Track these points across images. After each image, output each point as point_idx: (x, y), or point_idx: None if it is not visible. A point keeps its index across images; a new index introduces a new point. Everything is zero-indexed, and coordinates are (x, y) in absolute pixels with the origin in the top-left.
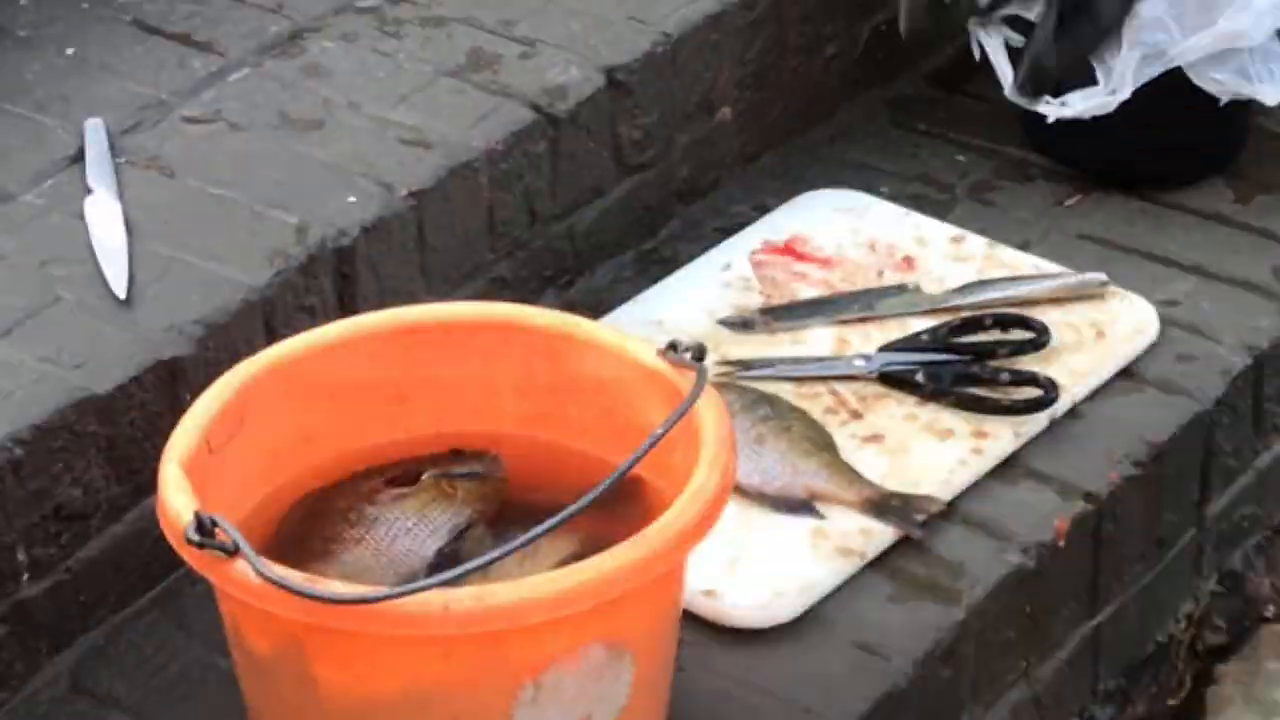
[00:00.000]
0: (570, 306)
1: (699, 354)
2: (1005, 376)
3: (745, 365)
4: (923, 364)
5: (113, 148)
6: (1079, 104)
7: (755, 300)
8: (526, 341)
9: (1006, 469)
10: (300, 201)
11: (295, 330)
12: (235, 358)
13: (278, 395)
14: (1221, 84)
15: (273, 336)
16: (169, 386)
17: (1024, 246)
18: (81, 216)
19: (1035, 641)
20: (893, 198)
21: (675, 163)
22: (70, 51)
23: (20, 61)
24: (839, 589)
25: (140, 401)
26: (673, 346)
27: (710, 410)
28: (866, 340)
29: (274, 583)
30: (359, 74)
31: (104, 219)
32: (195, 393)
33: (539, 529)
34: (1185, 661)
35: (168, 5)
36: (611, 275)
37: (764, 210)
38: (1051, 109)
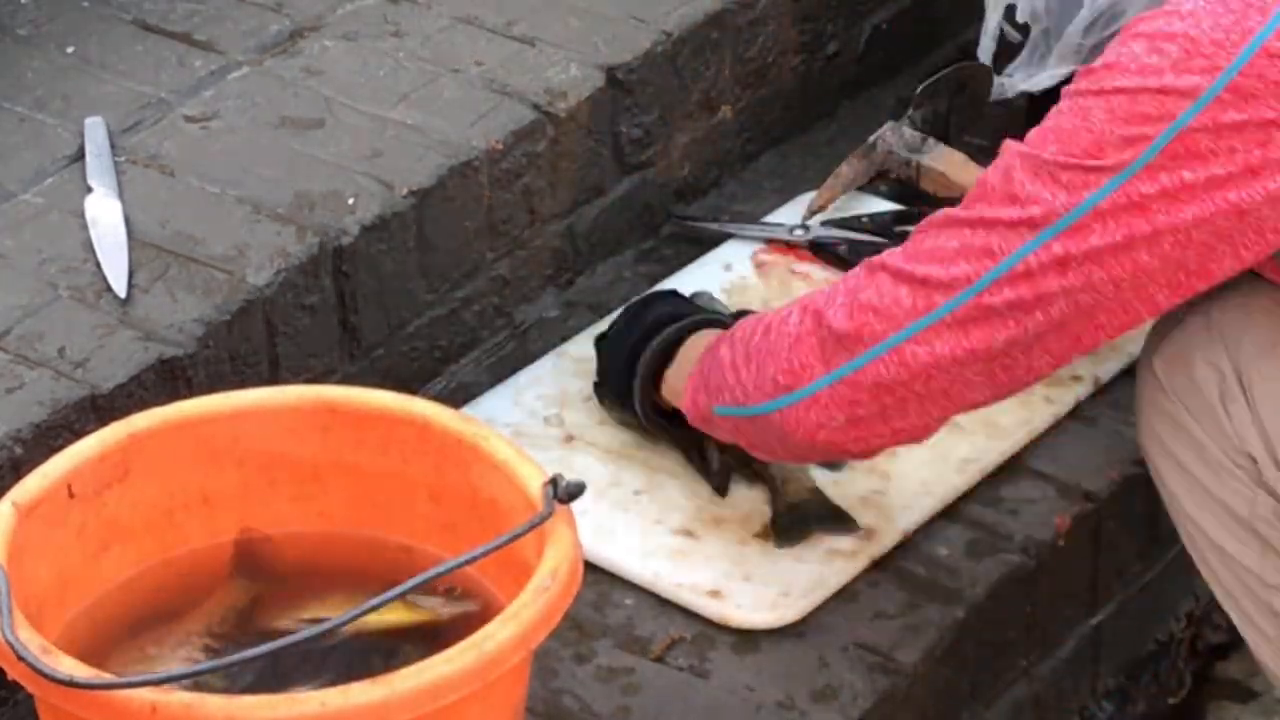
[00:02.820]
0: (571, 305)
1: (570, 494)
2: None
3: (690, 218)
4: (848, 241)
5: (113, 146)
6: (1023, 82)
7: (757, 299)
8: (440, 445)
9: (1007, 468)
10: (300, 201)
11: (296, 329)
12: (235, 357)
13: (177, 453)
14: None
15: (273, 336)
16: (169, 386)
17: None
18: (81, 215)
19: (1035, 641)
20: (894, 197)
21: (675, 162)
22: (70, 50)
23: (20, 60)
24: (841, 589)
25: (140, 401)
26: (553, 482)
27: (561, 535)
28: None
29: (11, 647)
30: (359, 73)
31: (104, 218)
32: (196, 392)
33: (314, 629)
34: (1185, 660)
35: (168, 4)
36: (611, 275)
37: (764, 209)
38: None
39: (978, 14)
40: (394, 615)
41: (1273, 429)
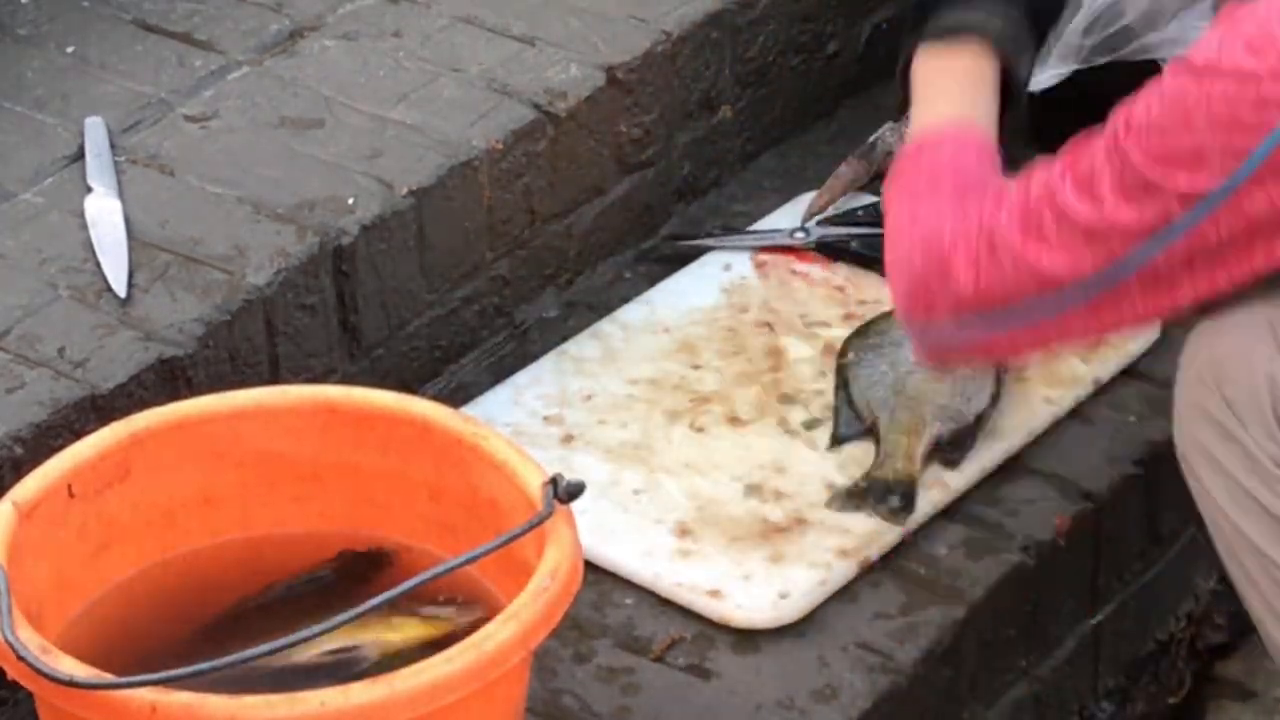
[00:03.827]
0: (571, 305)
1: (570, 493)
2: None
3: (682, 237)
4: (858, 236)
5: (113, 146)
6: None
7: (757, 299)
8: (440, 445)
9: (1007, 468)
10: (300, 200)
11: (296, 329)
12: (235, 357)
13: (177, 453)
14: None
15: (273, 336)
16: (169, 386)
17: None
18: (81, 215)
19: (1035, 640)
20: None
21: (675, 161)
22: (70, 50)
23: (21, 60)
24: (842, 589)
25: (140, 401)
26: (553, 482)
27: (561, 535)
28: None
29: (11, 647)
30: (359, 73)
31: (104, 217)
32: (196, 392)
33: (314, 629)
34: (1185, 660)
35: (168, 4)
36: (611, 274)
37: (765, 209)
38: None
39: None
40: (416, 631)
41: None
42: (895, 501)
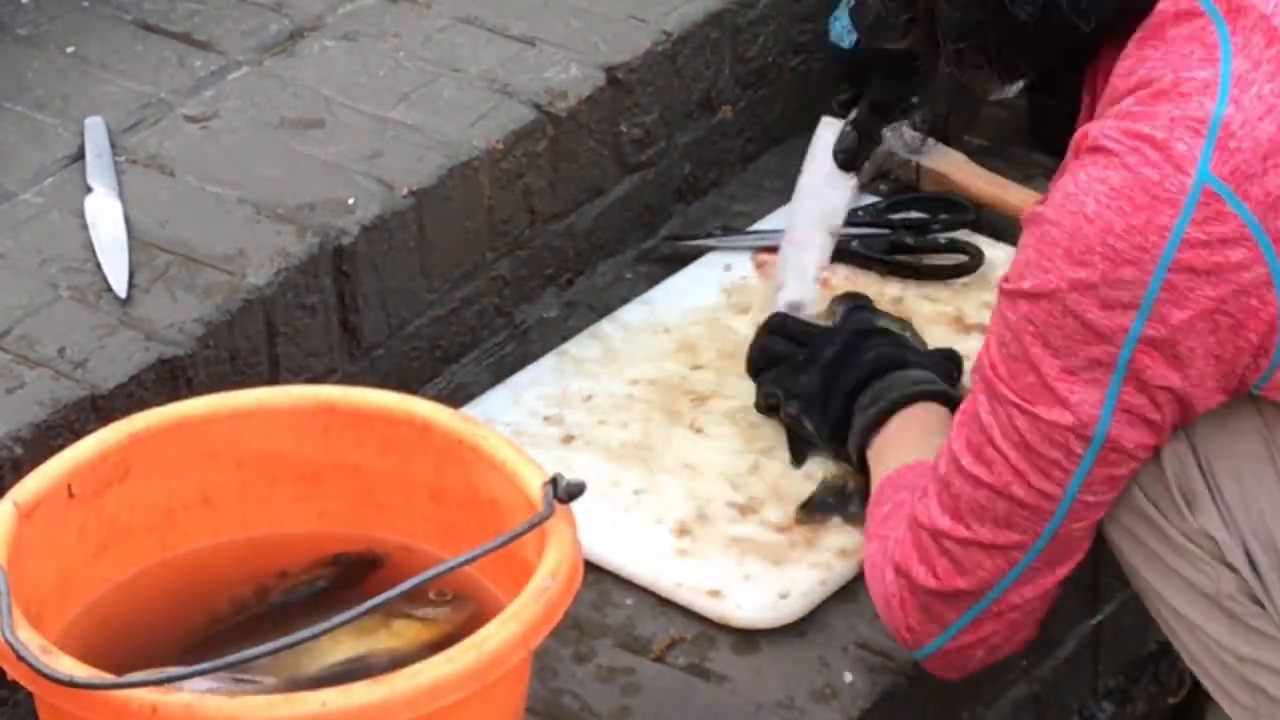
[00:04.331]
0: (571, 305)
1: (570, 493)
2: (940, 240)
3: (683, 238)
4: (858, 236)
5: (113, 146)
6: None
7: (758, 299)
8: (440, 445)
9: None
10: (300, 201)
11: (296, 329)
12: (235, 357)
13: (177, 453)
14: None
15: (273, 336)
16: (169, 386)
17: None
18: (82, 215)
19: (1035, 640)
20: (894, 196)
21: (676, 161)
22: (71, 50)
23: (21, 60)
24: (842, 589)
25: (140, 401)
26: (553, 482)
27: (561, 535)
28: None
29: (11, 647)
30: (359, 73)
31: (104, 218)
32: (196, 392)
33: (308, 631)
34: None
35: (168, 4)
36: (612, 274)
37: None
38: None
39: None
40: (420, 635)
41: (1234, 503)
42: (854, 507)
